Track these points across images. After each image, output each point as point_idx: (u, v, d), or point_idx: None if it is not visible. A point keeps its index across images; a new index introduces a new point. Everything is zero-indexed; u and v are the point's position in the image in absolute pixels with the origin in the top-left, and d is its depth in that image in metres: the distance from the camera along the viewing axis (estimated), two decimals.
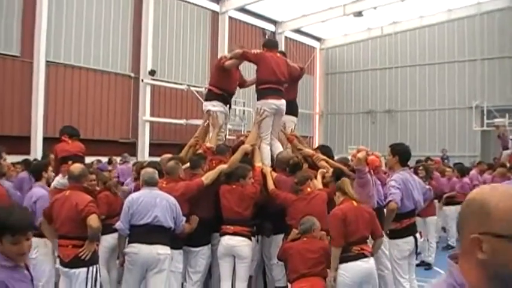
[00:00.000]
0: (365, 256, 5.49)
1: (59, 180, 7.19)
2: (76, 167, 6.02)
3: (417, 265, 10.55)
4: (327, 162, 7.21)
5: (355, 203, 5.67)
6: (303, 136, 22.69)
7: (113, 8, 19.47)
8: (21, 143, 16.04)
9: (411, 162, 13.71)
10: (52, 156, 8.27)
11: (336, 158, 8.03)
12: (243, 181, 6.52)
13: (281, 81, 7.47)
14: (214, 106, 7.90)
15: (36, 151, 16.20)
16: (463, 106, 26.49)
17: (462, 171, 13.06)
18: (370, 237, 5.80)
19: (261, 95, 7.49)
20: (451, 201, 12.42)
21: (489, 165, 15.35)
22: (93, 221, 5.43)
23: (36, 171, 7.02)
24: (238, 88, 8.77)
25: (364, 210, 5.70)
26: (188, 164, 7.12)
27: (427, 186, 9.07)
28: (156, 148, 19.59)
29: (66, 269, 5.60)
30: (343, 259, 5.49)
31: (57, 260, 5.99)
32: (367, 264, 5.48)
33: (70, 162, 6.99)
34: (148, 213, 5.87)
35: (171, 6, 21.86)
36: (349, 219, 5.50)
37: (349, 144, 27.39)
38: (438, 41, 27.50)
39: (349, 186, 5.83)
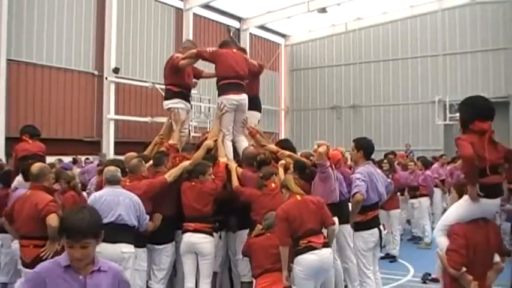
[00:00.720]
0: (314, 248, 5.46)
1: (19, 179, 7.11)
2: (35, 167, 5.95)
3: (382, 258, 10.71)
4: (291, 157, 7.25)
5: (299, 197, 5.66)
6: (269, 132, 22.85)
7: (75, 4, 19.24)
8: None
9: (376, 157, 13.97)
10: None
11: (298, 153, 8.07)
12: (203, 177, 6.49)
13: (240, 75, 7.45)
14: (175, 103, 7.89)
15: None
16: (426, 101, 26.91)
17: (425, 164, 13.27)
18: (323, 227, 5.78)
19: (221, 90, 7.50)
20: (414, 194, 12.63)
21: (452, 159, 15.64)
22: (52, 220, 5.37)
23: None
24: (198, 82, 8.78)
25: (309, 201, 5.67)
26: (151, 162, 7.10)
27: (389, 180, 9.21)
28: (121, 146, 19.43)
29: (28, 270, 5.53)
30: (294, 254, 5.51)
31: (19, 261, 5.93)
32: (316, 256, 5.45)
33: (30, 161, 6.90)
34: (112, 211, 5.82)
35: (135, 3, 21.72)
36: (292, 216, 5.49)
37: (314, 140, 27.48)
38: (401, 36, 27.88)
39: (292, 182, 5.80)
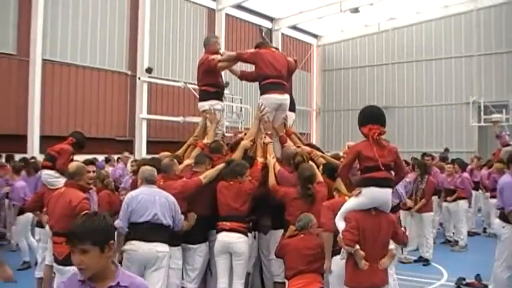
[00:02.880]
0: None
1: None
2: (72, 165, 6.05)
3: (415, 261, 10.69)
4: (324, 158, 7.20)
5: (347, 198, 5.64)
6: (300, 133, 22.71)
7: (109, 5, 19.43)
8: (18, 142, 16.03)
9: (408, 158, 13.81)
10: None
11: (329, 154, 8.04)
12: (241, 178, 6.51)
13: (282, 74, 7.43)
14: (211, 105, 7.92)
15: (33, 150, 16.19)
16: (460, 102, 26.52)
17: (462, 166, 13.04)
18: None
19: (263, 90, 7.46)
20: (451, 197, 12.44)
21: (486, 162, 15.39)
22: None
23: None
24: (233, 83, 8.77)
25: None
26: (188, 162, 7.13)
27: (407, 179, 9.16)
28: (153, 146, 19.61)
29: (60, 266, 5.60)
30: (334, 253, 5.49)
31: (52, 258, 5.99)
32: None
33: None
34: (148, 211, 5.88)
35: (168, 3, 21.84)
36: (337, 209, 5.43)
37: (346, 141, 27.24)
38: (435, 36, 27.51)
39: (342, 185, 5.81)
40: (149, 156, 12.81)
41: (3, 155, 13.65)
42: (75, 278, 2.90)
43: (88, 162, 7.22)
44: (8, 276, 4.76)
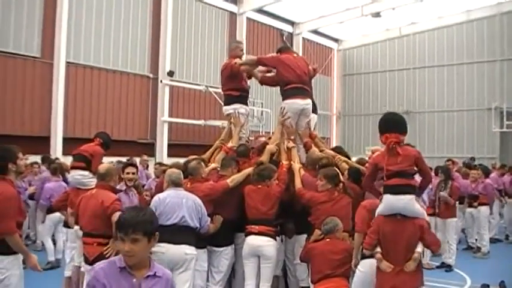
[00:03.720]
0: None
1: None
2: (103, 167, 6.12)
3: (437, 267, 10.62)
4: (347, 163, 7.20)
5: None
6: (321, 137, 22.68)
7: (131, 9, 19.60)
8: (41, 143, 16.21)
9: (430, 164, 13.67)
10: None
11: (353, 159, 8.03)
12: (269, 182, 6.54)
13: (304, 80, 7.44)
14: (235, 109, 7.96)
15: (56, 151, 16.36)
16: (482, 107, 26.33)
17: (486, 172, 12.95)
18: None
19: (285, 95, 7.47)
20: (474, 203, 12.36)
21: (509, 168, 15.26)
22: None
23: None
24: (251, 86, 8.76)
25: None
26: (213, 165, 7.18)
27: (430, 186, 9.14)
28: (174, 149, 19.71)
29: (90, 267, 5.65)
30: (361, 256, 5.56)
31: (82, 258, 6.06)
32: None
33: None
34: (175, 213, 5.93)
35: (190, 7, 21.97)
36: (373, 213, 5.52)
37: (366, 145, 27.21)
38: (457, 41, 27.35)
39: None
40: (170, 159, 12.88)
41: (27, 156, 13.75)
42: (114, 265, 3.07)
43: (127, 164, 7.28)
44: (34, 263, 4.86)
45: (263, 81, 8.45)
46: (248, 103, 8.51)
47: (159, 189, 6.84)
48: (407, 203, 5.06)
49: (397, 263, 5.01)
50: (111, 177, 5.97)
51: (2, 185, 5.01)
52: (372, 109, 30.08)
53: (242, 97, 8.12)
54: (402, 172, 5.08)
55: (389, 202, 5.10)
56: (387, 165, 5.14)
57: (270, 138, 8.29)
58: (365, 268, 5.49)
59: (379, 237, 5.11)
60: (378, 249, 5.11)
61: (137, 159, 16.14)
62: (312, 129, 8.04)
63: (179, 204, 5.98)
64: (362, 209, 5.66)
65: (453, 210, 10.97)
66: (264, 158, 7.10)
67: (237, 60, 7.92)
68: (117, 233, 3.05)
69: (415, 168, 5.30)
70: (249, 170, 6.85)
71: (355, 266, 5.58)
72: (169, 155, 19.49)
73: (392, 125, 5.33)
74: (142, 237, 3.00)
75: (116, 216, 5.46)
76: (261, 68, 8.21)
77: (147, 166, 15.36)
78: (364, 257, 5.52)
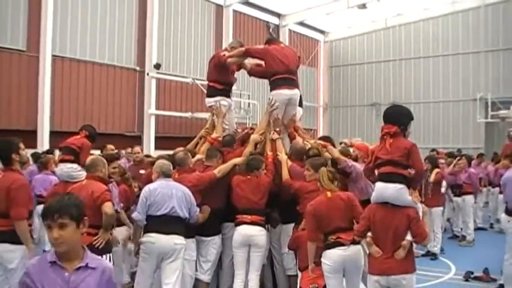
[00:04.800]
0: (342, 244, 5.50)
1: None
2: (89, 159, 6.20)
3: (423, 255, 10.74)
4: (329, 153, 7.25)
5: (329, 194, 5.66)
6: (307, 129, 22.80)
7: (118, 1, 19.53)
8: (28, 137, 16.06)
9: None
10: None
11: (338, 148, 8.08)
12: (257, 172, 6.63)
13: (291, 70, 7.54)
14: (217, 101, 8.00)
15: (43, 145, 16.30)
16: (467, 98, 26.48)
17: (469, 161, 13.11)
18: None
19: (273, 85, 7.57)
20: (458, 192, 12.52)
21: (493, 157, 15.44)
22: (108, 207, 5.54)
23: None
24: (241, 79, 8.79)
25: (339, 198, 5.68)
26: (198, 156, 7.24)
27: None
28: (161, 141, 19.73)
29: None
30: (323, 248, 5.60)
31: None
32: (344, 252, 5.50)
33: None
34: (166, 204, 6.02)
35: None
36: (319, 213, 5.57)
37: (353, 137, 27.25)
38: (442, 33, 27.46)
39: (325, 177, 5.77)
40: (157, 152, 12.85)
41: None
42: (45, 260, 2.98)
43: (111, 158, 7.32)
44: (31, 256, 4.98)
45: (252, 73, 8.50)
46: (234, 95, 8.56)
47: (147, 180, 6.90)
48: (395, 191, 5.12)
49: (386, 249, 5.10)
50: (97, 167, 6.00)
51: (13, 174, 5.45)
52: (359, 100, 30.23)
53: (225, 90, 8.15)
54: (392, 161, 5.15)
55: (379, 190, 5.20)
56: (379, 154, 5.27)
57: (252, 128, 8.36)
58: (330, 259, 5.53)
59: (370, 224, 5.21)
60: (369, 233, 5.21)
61: (123, 152, 16.15)
62: (298, 121, 8.12)
63: (169, 194, 6.06)
64: (308, 215, 5.65)
65: (439, 199, 11.10)
66: (249, 148, 7.18)
67: (225, 52, 7.97)
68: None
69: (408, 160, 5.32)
70: (235, 161, 6.94)
71: (312, 272, 5.70)
72: (157, 147, 19.47)
73: (386, 116, 5.42)
74: (69, 221, 2.91)
75: (107, 206, 5.53)
76: (251, 61, 8.27)
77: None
78: (325, 248, 5.58)
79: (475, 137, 26.16)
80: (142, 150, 12.47)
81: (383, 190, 5.17)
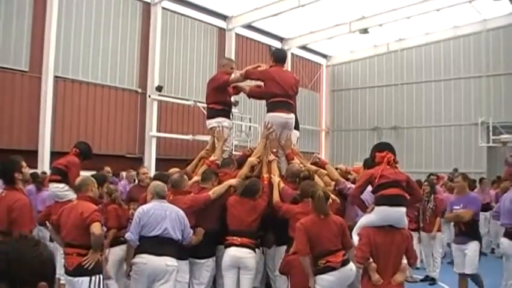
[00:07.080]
0: (333, 268, 5.44)
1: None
2: (79, 179, 6.22)
3: (422, 280, 10.65)
4: (329, 176, 7.25)
5: (322, 216, 5.58)
6: (309, 153, 22.79)
7: (120, 24, 19.70)
8: (29, 157, 16.06)
9: (417, 178, 13.70)
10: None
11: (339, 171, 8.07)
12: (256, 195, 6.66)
13: (289, 94, 7.55)
14: (218, 122, 8.01)
15: (44, 165, 16.32)
16: (469, 122, 26.47)
17: (471, 185, 13.01)
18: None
19: (270, 107, 7.59)
20: None
21: (492, 182, 15.36)
22: (96, 228, 5.54)
23: None
24: (243, 102, 8.84)
25: (332, 222, 5.61)
26: (196, 178, 7.23)
27: None
28: (162, 163, 19.68)
29: (70, 277, 5.69)
30: (314, 272, 5.53)
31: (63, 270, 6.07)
32: (335, 277, 5.45)
33: None
34: (159, 225, 6.00)
35: (179, 22, 22.09)
36: (310, 232, 5.51)
37: (355, 161, 27.27)
38: (444, 57, 27.55)
39: (321, 199, 5.61)
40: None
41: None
42: None
43: (102, 179, 7.29)
44: None
45: (251, 94, 8.54)
46: (235, 118, 8.58)
47: (144, 201, 6.88)
48: (401, 214, 5.15)
49: (386, 275, 5.09)
50: (87, 187, 6.01)
51: (16, 194, 5.44)
52: (361, 124, 30.24)
53: (225, 111, 8.17)
54: (399, 182, 5.21)
55: (385, 213, 5.15)
56: (385, 174, 5.27)
57: (250, 150, 8.37)
58: (324, 282, 5.49)
59: (371, 249, 5.16)
60: (371, 260, 5.16)
61: (124, 174, 16.12)
62: (294, 144, 8.13)
63: (163, 216, 6.04)
64: (300, 231, 5.56)
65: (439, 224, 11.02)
66: (244, 170, 7.17)
67: (228, 76, 7.98)
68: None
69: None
70: (230, 182, 6.92)
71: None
72: (158, 169, 19.44)
73: (387, 146, 5.71)
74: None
75: (95, 226, 5.52)
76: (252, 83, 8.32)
77: (134, 181, 15.31)
78: (316, 273, 5.51)
79: (476, 161, 26.10)
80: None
81: (392, 213, 5.15)
